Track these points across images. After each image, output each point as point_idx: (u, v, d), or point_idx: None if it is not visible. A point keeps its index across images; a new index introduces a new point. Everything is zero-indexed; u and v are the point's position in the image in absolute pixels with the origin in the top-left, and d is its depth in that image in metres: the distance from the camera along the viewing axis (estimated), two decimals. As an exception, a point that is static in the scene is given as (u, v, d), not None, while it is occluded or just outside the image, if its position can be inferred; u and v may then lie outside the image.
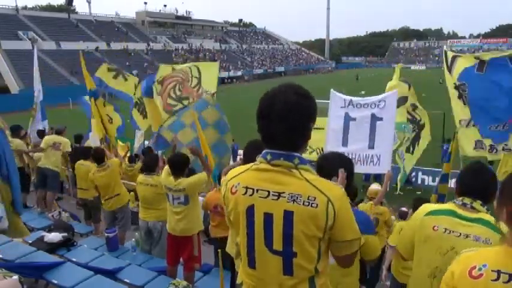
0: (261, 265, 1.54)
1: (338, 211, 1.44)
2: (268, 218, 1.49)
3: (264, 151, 1.54)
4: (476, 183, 2.10)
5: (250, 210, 1.52)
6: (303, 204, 1.43)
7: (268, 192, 1.49)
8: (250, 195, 1.52)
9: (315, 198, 1.43)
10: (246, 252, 1.57)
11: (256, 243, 1.53)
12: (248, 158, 2.36)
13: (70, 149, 7.43)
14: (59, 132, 7.32)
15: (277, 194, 1.47)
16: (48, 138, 7.13)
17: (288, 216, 1.45)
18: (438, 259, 2.05)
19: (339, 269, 2.22)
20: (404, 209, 5.47)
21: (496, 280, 1.20)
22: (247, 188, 1.53)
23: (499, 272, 1.20)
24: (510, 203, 1.24)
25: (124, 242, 5.46)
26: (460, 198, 2.08)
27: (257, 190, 1.51)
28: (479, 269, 1.23)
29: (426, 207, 2.17)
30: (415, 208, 3.50)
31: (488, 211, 2.04)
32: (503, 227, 1.29)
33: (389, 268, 4.79)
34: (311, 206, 1.43)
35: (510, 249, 1.23)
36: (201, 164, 4.72)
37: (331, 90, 4.86)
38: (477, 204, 2.04)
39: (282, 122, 1.44)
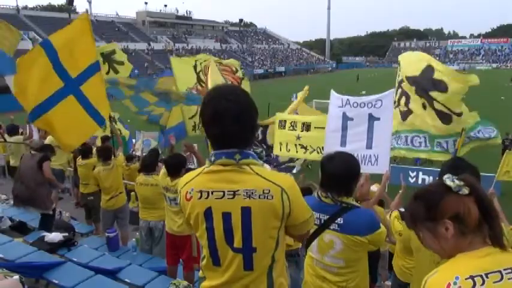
0: (224, 263, 1.59)
1: (292, 199, 1.52)
2: (226, 217, 1.53)
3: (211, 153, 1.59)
4: None
5: (208, 212, 1.55)
6: (259, 198, 1.49)
7: (223, 192, 1.52)
8: (206, 198, 1.55)
9: (269, 190, 1.49)
10: (209, 253, 1.61)
11: (218, 243, 1.57)
12: None
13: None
14: None
15: (232, 192, 1.51)
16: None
17: (246, 212, 1.50)
18: (433, 267, 2.05)
19: (346, 268, 2.25)
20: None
21: (474, 287, 1.20)
22: (201, 191, 1.56)
23: (472, 278, 1.21)
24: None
25: (127, 241, 5.46)
26: None
27: (212, 192, 1.54)
28: (455, 284, 1.22)
29: None
30: None
31: None
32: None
33: (389, 268, 4.78)
34: (267, 198, 1.49)
35: (468, 253, 1.27)
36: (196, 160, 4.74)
37: (331, 90, 4.85)
38: None
39: (236, 124, 1.50)
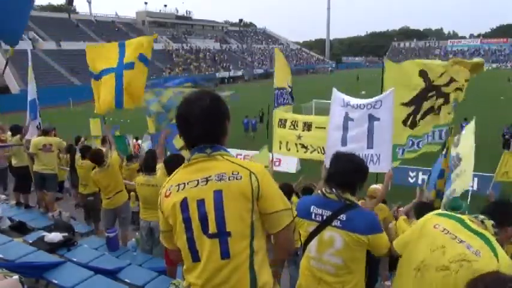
0: (202, 253, 1.62)
1: (261, 181, 1.61)
2: (201, 204, 1.61)
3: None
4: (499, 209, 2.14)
5: (184, 203, 1.63)
6: (229, 179, 1.60)
7: (197, 181, 1.64)
8: (182, 189, 1.65)
9: (238, 172, 1.62)
10: (187, 250, 1.65)
11: (195, 234, 1.63)
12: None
13: (64, 146, 7.25)
14: (46, 132, 6.83)
15: (205, 179, 1.63)
16: (37, 141, 6.59)
17: (218, 195, 1.59)
18: (426, 254, 2.06)
19: (344, 268, 2.26)
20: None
21: None
22: (178, 185, 1.67)
23: None
24: None
25: (127, 241, 5.44)
26: (482, 216, 2.08)
27: (187, 183, 1.65)
28: None
29: (439, 210, 2.23)
30: (418, 213, 3.47)
31: (497, 235, 2.03)
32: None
33: (389, 268, 4.76)
34: (236, 179, 1.60)
35: None
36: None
37: (334, 89, 4.82)
38: (489, 223, 2.03)
39: (201, 125, 1.63)
